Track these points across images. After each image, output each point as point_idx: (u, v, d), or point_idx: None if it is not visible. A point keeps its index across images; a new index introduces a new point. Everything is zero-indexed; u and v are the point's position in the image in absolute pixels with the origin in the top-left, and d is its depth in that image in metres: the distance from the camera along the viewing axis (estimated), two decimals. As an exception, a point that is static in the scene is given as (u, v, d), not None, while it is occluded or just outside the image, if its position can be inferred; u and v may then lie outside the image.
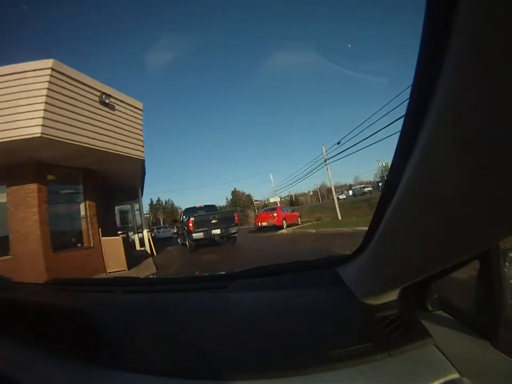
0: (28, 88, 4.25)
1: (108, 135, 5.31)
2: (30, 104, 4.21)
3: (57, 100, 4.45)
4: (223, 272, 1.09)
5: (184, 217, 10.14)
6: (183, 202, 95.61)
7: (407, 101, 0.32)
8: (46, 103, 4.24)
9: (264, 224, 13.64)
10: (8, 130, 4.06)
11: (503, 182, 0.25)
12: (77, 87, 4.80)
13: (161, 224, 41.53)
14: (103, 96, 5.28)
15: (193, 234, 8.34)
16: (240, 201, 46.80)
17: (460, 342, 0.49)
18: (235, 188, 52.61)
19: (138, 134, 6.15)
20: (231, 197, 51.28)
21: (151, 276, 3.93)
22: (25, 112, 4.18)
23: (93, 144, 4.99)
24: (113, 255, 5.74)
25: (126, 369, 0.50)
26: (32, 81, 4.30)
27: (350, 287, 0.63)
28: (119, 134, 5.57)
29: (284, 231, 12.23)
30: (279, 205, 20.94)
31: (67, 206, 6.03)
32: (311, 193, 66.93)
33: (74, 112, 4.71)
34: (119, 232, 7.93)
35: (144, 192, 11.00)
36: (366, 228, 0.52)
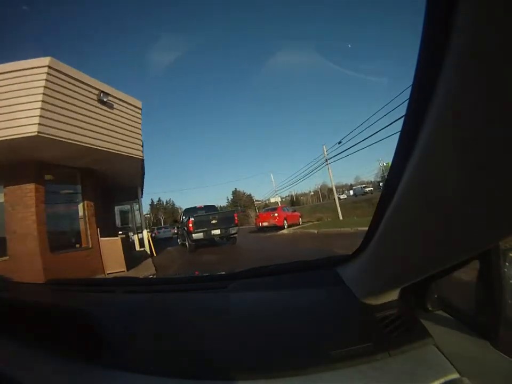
0: (24, 86, 4.23)
1: (107, 134, 5.30)
2: (26, 103, 4.19)
3: (55, 98, 4.43)
4: (223, 272, 1.08)
5: (184, 217, 10.14)
6: (184, 202, 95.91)
7: (407, 101, 0.32)
8: (42, 101, 4.21)
9: (265, 224, 13.59)
10: (5, 129, 4.04)
11: (503, 182, 0.25)
12: (74, 85, 4.78)
13: (162, 224, 41.42)
14: (101, 95, 5.24)
15: (193, 235, 8.33)
16: (241, 201, 46.78)
17: (460, 342, 0.49)
18: (236, 188, 52.73)
19: (137, 133, 6.11)
20: (232, 197, 51.23)
21: (151, 276, 4.01)
22: (21, 110, 4.15)
23: (91, 143, 4.97)
24: (112, 256, 5.72)
25: (126, 369, 0.50)
26: (29, 79, 4.28)
27: (350, 287, 0.63)
28: (117, 133, 5.56)
29: (285, 231, 12.18)
30: (280, 205, 20.83)
31: (65, 206, 6.00)
32: (312, 193, 66.97)
33: (72, 111, 4.69)
34: (120, 232, 7.88)
35: (144, 192, 10.98)
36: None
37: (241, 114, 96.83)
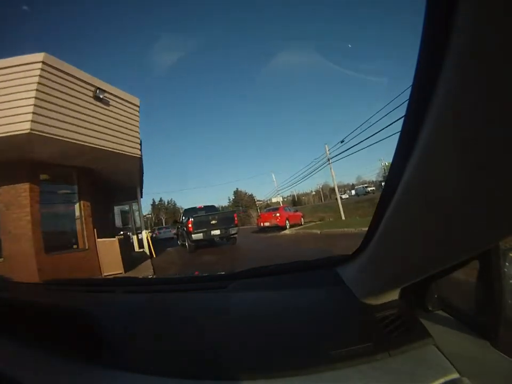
0: (17, 82, 4.18)
1: (103, 132, 5.26)
2: (19, 100, 4.13)
3: (49, 94, 4.37)
4: (223, 272, 1.08)
5: (183, 217, 10.11)
6: (185, 203, 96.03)
7: (407, 101, 0.33)
8: (36, 97, 4.14)
9: (267, 224, 13.49)
10: (-3, 127, 3.93)
11: (503, 182, 0.25)
12: (69, 81, 4.72)
13: (163, 224, 41.38)
14: (97, 91, 5.14)
15: (193, 235, 8.31)
16: (242, 201, 46.68)
17: (460, 342, 0.50)
18: (237, 188, 52.54)
19: (134, 131, 6.02)
20: (233, 197, 51.14)
21: (151, 276, 3.88)
22: (14, 107, 4.09)
23: (87, 141, 4.92)
24: (109, 257, 5.64)
25: (126, 369, 0.51)
26: (22, 76, 4.24)
27: (350, 287, 0.63)
28: (114, 130, 5.51)
29: (287, 231, 12.07)
30: (281, 204, 20.66)
31: (61, 206, 5.95)
32: (314, 193, 66.78)
33: (66, 108, 4.64)
34: (121, 233, 7.74)
35: (145, 193, 10.86)
36: None
37: (243, 114, 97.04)
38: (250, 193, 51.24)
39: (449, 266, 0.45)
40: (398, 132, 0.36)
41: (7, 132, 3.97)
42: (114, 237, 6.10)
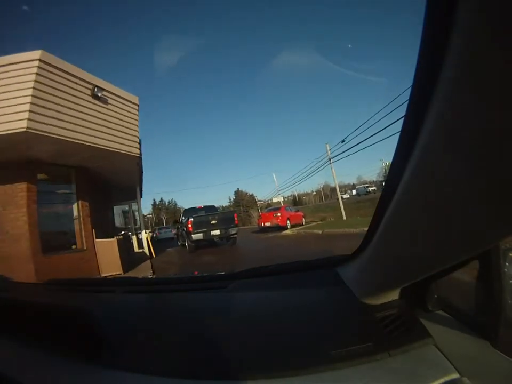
0: (14, 80, 4.15)
1: (101, 131, 5.25)
2: (15, 98, 4.10)
3: (46, 92, 4.34)
4: (223, 272, 1.08)
5: (183, 217, 10.10)
6: (186, 203, 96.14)
7: (407, 101, 0.33)
8: (32, 95, 4.11)
9: (268, 224, 13.43)
10: (-7, 126, 3.91)
11: (503, 182, 0.25)
12: (67, 79, 4.69)
13: (164, 224, 41.32)
14: (95, 89, 5.08)
15: (192, 235, 8.29)
16: (243, 201, 46.56)
17: (460, 342, 0.50)
18: (238, 188, 52.33)
19: (133, 130, 5.97)
20: (234, 197, 51.04)
21: (151, 276, 3.90)
22: (10, 106, 4.05)
23: (85, 140, 4.88)
24: (107, 258, 5.61)
25: (126, 369, 0.51)
26: (19, 74, 4.21)
27: (350, 287, 0.64)
28: (112, 129, 5.50)
29: (288, 231, 11.99)
30: (282, 204, 20.55)
31: (59, 206, 5.89)
32: (314, 193, 66.65)
33: (64, 106, 4.61)
34: (122, 233, 7.65)
35: (146, 192, 10.81)
36: None
37: (244, 114, 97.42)
38: (251, 193, 51.16)
39: (449, 266, 0.45)
40: (398, 132, 0.36)
41: (3, 131, 3.94)
42: (113, 237, 6.01)
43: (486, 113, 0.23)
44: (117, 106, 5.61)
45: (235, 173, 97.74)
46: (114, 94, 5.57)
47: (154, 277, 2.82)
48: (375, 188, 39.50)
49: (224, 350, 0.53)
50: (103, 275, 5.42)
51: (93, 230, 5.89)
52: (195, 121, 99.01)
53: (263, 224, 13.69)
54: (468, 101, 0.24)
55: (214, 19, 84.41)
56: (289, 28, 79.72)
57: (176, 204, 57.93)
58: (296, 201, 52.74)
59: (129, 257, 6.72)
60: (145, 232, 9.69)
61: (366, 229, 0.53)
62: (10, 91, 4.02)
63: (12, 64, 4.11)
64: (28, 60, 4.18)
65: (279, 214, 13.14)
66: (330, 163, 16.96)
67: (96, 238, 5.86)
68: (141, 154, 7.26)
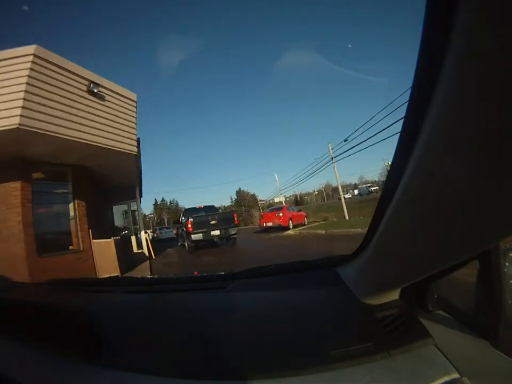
0: (6, 76, 4.04)
1: (97, 128, 5.18)
2: (8, 94, 3.99)
3: (40, 88, 4.25)
4: (223, 272, 1.08)
5: (183, 218, 10.10)
6: (187, 202, 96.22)
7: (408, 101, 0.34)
8: (26, 91, 4.00)
9: (270, 224, 13.34)
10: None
11: (503, 182, 0.26)
12: (62, 75, 4.59)
13: (166, 224, 41.25)
14: (91, 85, 4.92)
15: (192, 236, 8.28)
16: (245, 201, 46.42)
17: (460, 342, 0.50)
18: (240, 188, 52.24)
19: (131, 127, 5.86)
20: (236, 197, 50.87)
21: (151, 276, 3.73)
22: (2, 102, 3.93)
23: (81, 137, 4.77)
24: (105, 259, 5.54)
25: (126, 369, 0.52)
26: (12, 69, 4.12)
27: (350, 287, 0.64)
28: (109, 126, 5.42)
29: (290, 232, 11.90)
30: (284, 204, 20.35)
31: (54, 206, 5.81)
32: (316, 192, 66.38)
33: (58, 102, 4.52)
34: (123, 233, 7.50)
35: (147, 192, 10.75)
36: None
37: (245, 114, 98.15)
38: (253, 193, 50.98)
39: (449, 266, 0.46)
40: (399, 132, 0.36)
41: (-5, 128, 3.82)
42: (111, 238, 5.86)
43: (486, 113, 0.24)
44: (114, 103, 5.51)
45: (237, 172, 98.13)
46: (111, 90, 5.48)
47: (154, 276, 2.79)
48: (377, 187, 39.39)
49: (224, 350, 0.53)
50: (100, 276, 5.28)
51: (90, 230, 5.81)
52: (197, 122, 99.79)
53: (264, 224, 13.59)
54: (468, 101, 0.24)
55: (214, 18, 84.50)
56: (289, 28, 79.78)
57: (177, 204, 58.12)
58: (298, 201, 52.53)
59: (127, 258, 6.64)
60: (145, 232, 9.59)
61: (369, 229, 0.52)
62: (2, 87, 3.92)
63: (5, 59, 4.01)
64: (22, 55, 4.08)
65: (281, 214, 13.04)
66: (333, 162, 16.75)
67: (94, 238, 5.78)
68: (139, 153, 7.12)
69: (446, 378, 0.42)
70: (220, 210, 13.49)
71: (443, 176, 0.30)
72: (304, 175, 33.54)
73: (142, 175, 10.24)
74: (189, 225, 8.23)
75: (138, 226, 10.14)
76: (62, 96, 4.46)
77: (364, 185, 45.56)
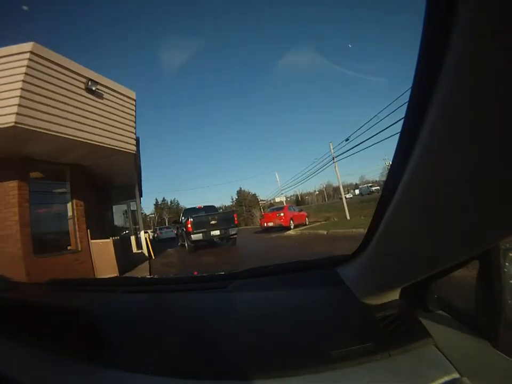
0: (3, 74, 3.98)
1: (95, 126, 5.14)
2: (4, 91, 3.94)
3: (37, 86, 4.21)
4: (223, 272, 1.08)
5: (183, 218, 10.11)
6: (188, 202, 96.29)
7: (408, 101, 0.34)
8: (22, 89, 3.95)
9: (271, 224, 13.30)
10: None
11: (503, 182, 0.26)
12: (60, 72, 4.53)
13: (167, 224, 41.20)
14: (89, 83, 4.86)
15: (192, 236, 8.28)
16: (245, 200, 46.34)
17: (460, 342, 0.50)
18: (240, 188, 52.12)
19: (129, 126, 5.82)
20: (237, 197, 50.82)
21: (151, 276, 3.86)
22: None
23: (79, 136, 4.71)
24: (103, 260, 5.52)
25: (127, 369, 0.52)
26: (9, 67, 4.07)
27: (350, 287, 0.64)
28: (108, 125, 5.38)
29: (291, 232, 11.85)
30: (285, 204, 20.26)
31: (52, 206, 5.77)
32: (317, 192, 66.25)
33: (56, 100, 4.46)
34: (124, 233, 7.41)
35: (147, 192, 10.65)
36: None
37: (246, 114, 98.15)
38: (253, 193, 50.90)
39: (449, 266, 0.46)
40: (399, 132, 0.37)
41: (-9, 126, 3.77)
42: (112, 238, 5.85)
43: (486, 113, 0.24)
44: (112, 101, 5.46)
45: (237, 172, 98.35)
46: (110, 88, 5.44)
47: (154, 276, 2.76)
48: (378, 187, 39.24)
49: (224, 350, 0.54)
50: (99, 277, 5.22)
51: (88, 230, 5.77)
52: (198, 122, 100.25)
53: (265, 224, 13.54)
54: (468, 100, 0.24)
55: (214, 18, 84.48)
56: (290, 28, 79.72)
57: (178, 204, 58.11)
58: (298, 201, 52.47)
59: (126, 258, 6.59)
60: (145, 232, 9.53)
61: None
62: (-1, 84, 3.89)
63: (2, 57, 3.96)
64: (19, 53, 4.03)
65: (282, 214, 12.99)
66: (334, 162, 16.63)
67: (93, 238, 5.74)
68: (138, 152, 7.04)
69: (446, 378, 0.43)
70: (221, 210, 13.47)
71: (443, 176, 0.30)
72: (305, 174, 33.47)
73: (143, 175, 10.19)
74: (189, 225, 8.24)
75: (138, 226, 10.08)
76: (59, 94, 4.43)
77: (365, 185, 45.47)
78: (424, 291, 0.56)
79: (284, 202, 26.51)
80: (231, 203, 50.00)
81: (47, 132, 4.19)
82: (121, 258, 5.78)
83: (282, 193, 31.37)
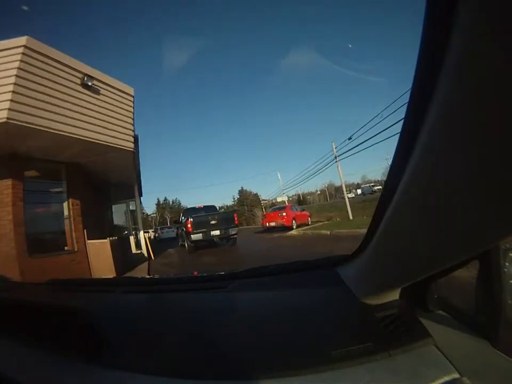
0: None
1: (92, 123, 5.10)
2: None
3: (31, 81, 4.16)
4: (223, 272, 1.06)
5: (183, 218, 10.09)
6: (190, 202, 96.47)
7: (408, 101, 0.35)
8: (15, 84, 3.89)
9: (272, 224, 13.20)
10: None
11: (503, 182, 0.26)
12: (55, 67, 4.48)
13: (168, 224, 41.17)
14: (85, 78, 4.71)
15: (192, 236, 8.24)
16: (247, 200, 46.20)
17: (460, 342, 0.51)
18: (242, 187, 51.99)
19: (127, 123, 5.72)
20: (238, 196, 50.69)
21: (151, 276, 3.79)
22: None
23: (75, 132, 4.64)
24: (100, 260, 5.46)
25: (126, 369, 0.53)
26: (2, 61, 4.02)
27: (350, 287, 0.65)
28: (104, 121, 5.33)
29: (293, 232, 11.75)
30: (287, 204, 20.07)
31: (48, 205, 5.70)
32: (319, 192, 66.00)
33: (50, 96, 4.40)
34: (124, 233, 7.29)
35: (149, 191, 10.49)
36: None
37: (247, 113, 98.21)
38: (255, 193, 50.75)
39: (449, 266, 0.46)
40: (398, 133, 0.38)
41: (-18, 123, 3.69)
42: (110, 238, 5.70)
43: (486, 113, 0.24)
44: (109, 97, 5.40)
45: (239, 172, 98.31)
46: (107, 84, 5.38)
47: (154, 276, 2.71)
48: (380, 187, 38.96)
49: (224, 350, 0.54)
50: (98, 277, 5.09)
51: (85, 230, 5.70)
52: (199, 121, 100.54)
53: (267, 224, 13.41)
54: (468, 101, 0.25)
55: (215, 18, 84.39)
56: (290, 28, 79.50)
57: (180, 203, 58.17)
58: (300, 201, 52.31)
59: (125, 258, 6.50)
60: (145, 232, 9.42)
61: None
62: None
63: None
64: (12, 47, 3.95)
65: (284, 214, 12.86)
66: (336, 161, 16.43)
67: (91, 238, 5.67)
68: (137, 150, 6.91)
69: (446, 378, 0.43)
70: (222, 209, 13.37)
71: (443, 176, 0.30)
72: (307, 174, 33.26)
73: (144, 174, 10.08)
74: (189, 225, 8.23)
75: (137, 226, 9.95)
76: (54, 90, 4.36)
77: (367, 185, 45.28)
78: (424, 291, 0.57)
79: (286, 202, 26.36)
80: (233, 202, 49.95)
81: (41, 128, 4.13)
82: (119, 259, 5.70)
83: (284, 193, 31.28)
